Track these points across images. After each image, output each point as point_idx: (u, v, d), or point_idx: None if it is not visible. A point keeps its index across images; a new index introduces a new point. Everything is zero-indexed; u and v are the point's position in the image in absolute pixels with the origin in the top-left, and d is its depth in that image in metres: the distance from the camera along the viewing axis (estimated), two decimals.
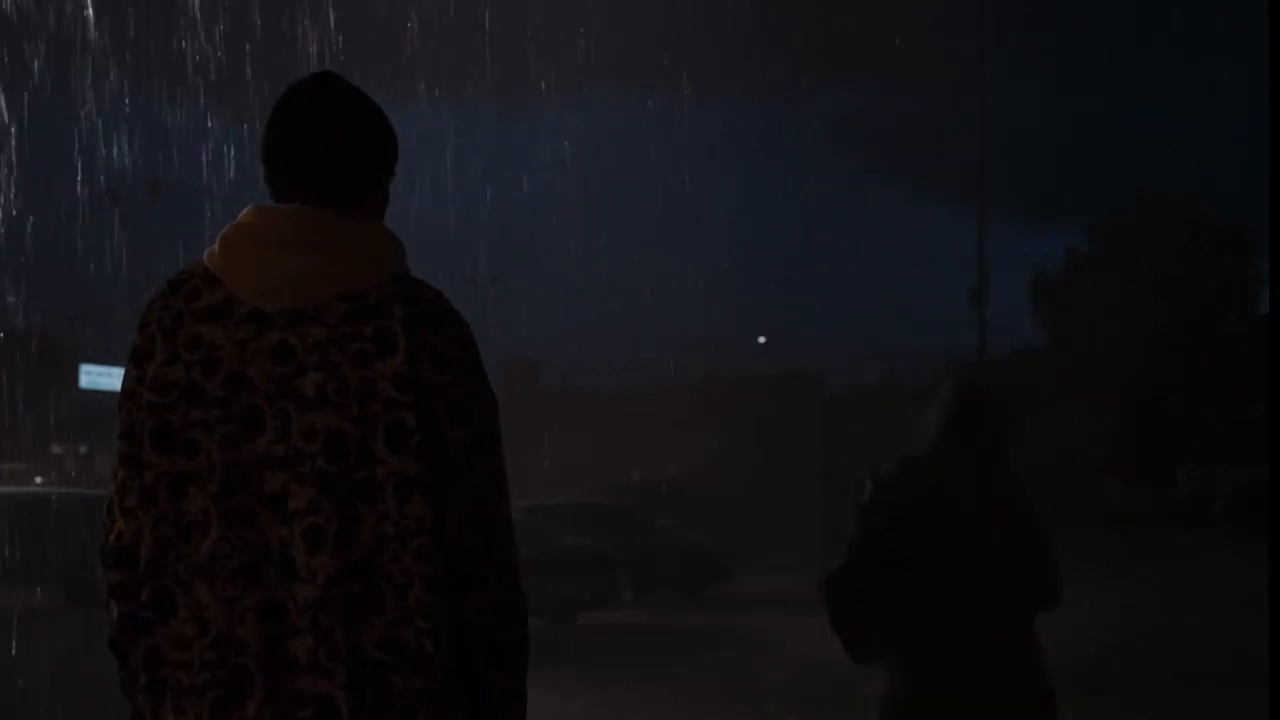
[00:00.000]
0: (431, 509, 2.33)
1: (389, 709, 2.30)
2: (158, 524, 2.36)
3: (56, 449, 41.81)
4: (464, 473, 2.37)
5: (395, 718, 2.30)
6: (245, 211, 2.47)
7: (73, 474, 39.86)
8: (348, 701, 2.27)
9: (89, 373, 45.10)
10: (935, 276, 78.06)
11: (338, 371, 2.32)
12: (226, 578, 2.31)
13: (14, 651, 6.77)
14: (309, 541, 2.29)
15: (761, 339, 57.31)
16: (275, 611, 2.30)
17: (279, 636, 2.29)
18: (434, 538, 2.33)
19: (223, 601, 2.30)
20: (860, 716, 4.38)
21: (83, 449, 44.55)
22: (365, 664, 2.29)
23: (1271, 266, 4.40)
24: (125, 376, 2.45)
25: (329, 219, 2.43)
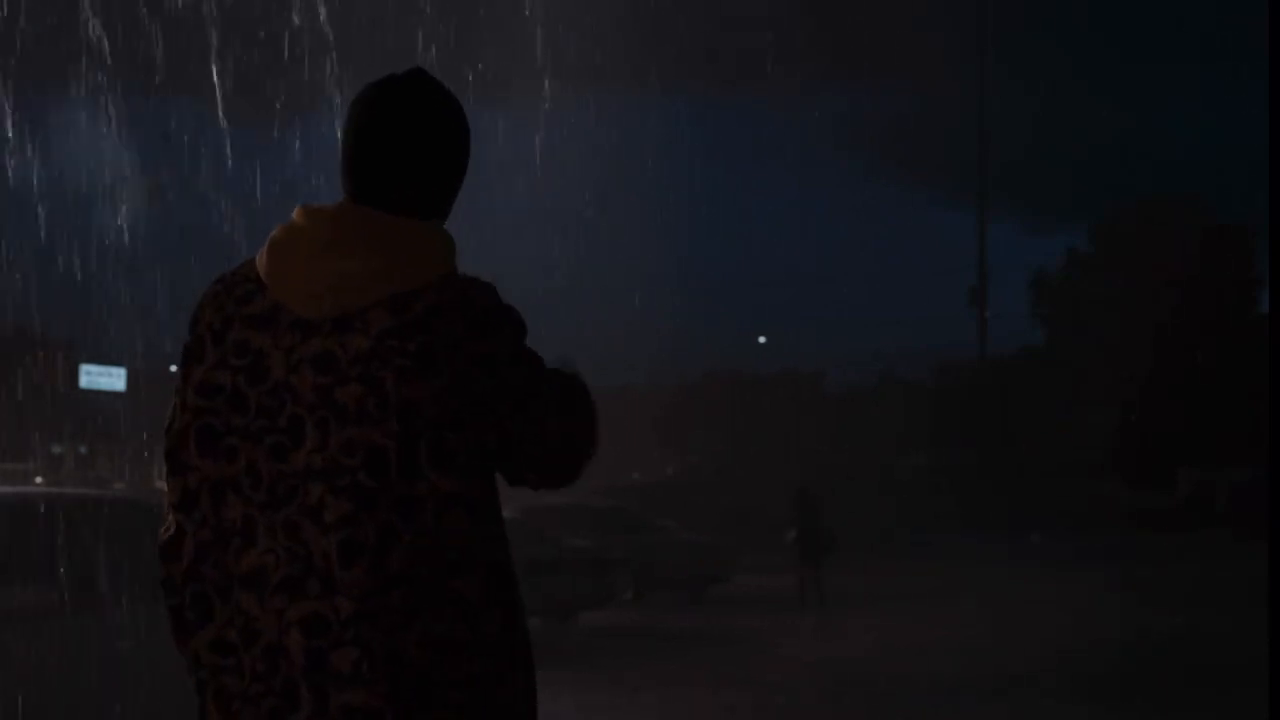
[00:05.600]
0: (471, 525, 2.31)
1: (433, 711, 2.29)
2: (199, 528, 2.36)
3: (56, 449, 41.79)
4: (541, 440, 2.43)
5: (443, 714, 2.29)
6: (295, 211, 2.41)
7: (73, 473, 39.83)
8: (394, 714, 2.26)
9: (89, 373, 45.08)
10: (935, 276, 77.95)
11: (380, 386, 2.28)
12: (273, 589, 2.29)
13: (14, 652, 6.77)
14: (344, 555, 2.27)
15: (761, 339, 57.39)
16: (318, 624, 2.28)
17: (322, 649, 2.27)
18: (470, 553, 2.32)
19: (272, 612, 2.29)
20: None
21: (83, 449, 44.52)
22: (407, 668, 2.27)
23: (1272, 266, 4.40)
24: (179, 373, 2.43)
25: (375, 219, 2.37)
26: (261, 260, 2.40)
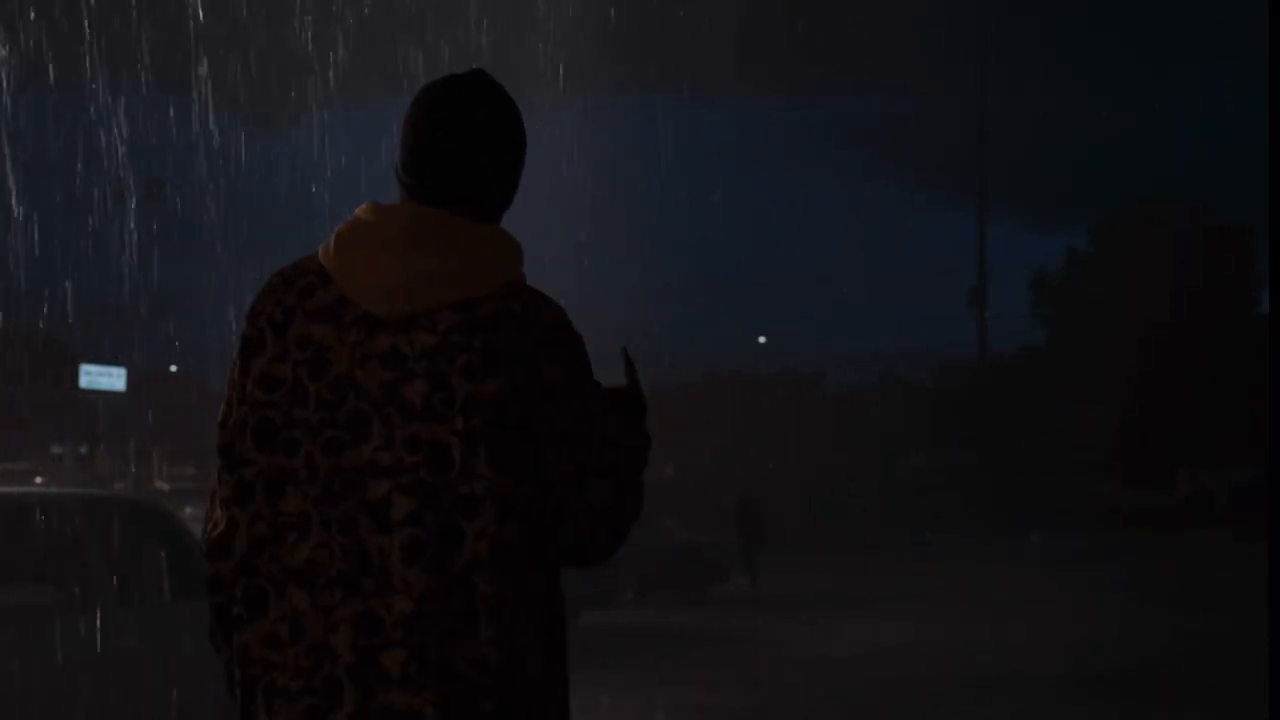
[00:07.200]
0: (530, 530, 2.30)
1: None
2: (254, 522, 2.33)
3: (56, 449, 41.81)
4: (580, 492, 2.34)
5: None
6: (362, 208, 2.39)
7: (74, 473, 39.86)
8: (437, 719, 2.24)
9: (89, 373, 45.06)
10: (935, 276, 77.87)
11: (446, 383, 2.27)
12: (324, 585, 2.27)
13: (13, 652, 6.77)
14: (407, 553, 2.25)
15: (762, 339, 57.36)
16: (371, 623, 2.25)
17: (372, 649, 2.25)
18: (530, 558, 2.30)
19: (319, 609, 2.27)
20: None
21: (83, 449, 44.53)
22: (457, 681, 2.25)
23: (1272, 266, 4.40)
24: (231, 366, 2.40)
25: (446, 220, 2.36)
26: (328, 254, 2.37)
